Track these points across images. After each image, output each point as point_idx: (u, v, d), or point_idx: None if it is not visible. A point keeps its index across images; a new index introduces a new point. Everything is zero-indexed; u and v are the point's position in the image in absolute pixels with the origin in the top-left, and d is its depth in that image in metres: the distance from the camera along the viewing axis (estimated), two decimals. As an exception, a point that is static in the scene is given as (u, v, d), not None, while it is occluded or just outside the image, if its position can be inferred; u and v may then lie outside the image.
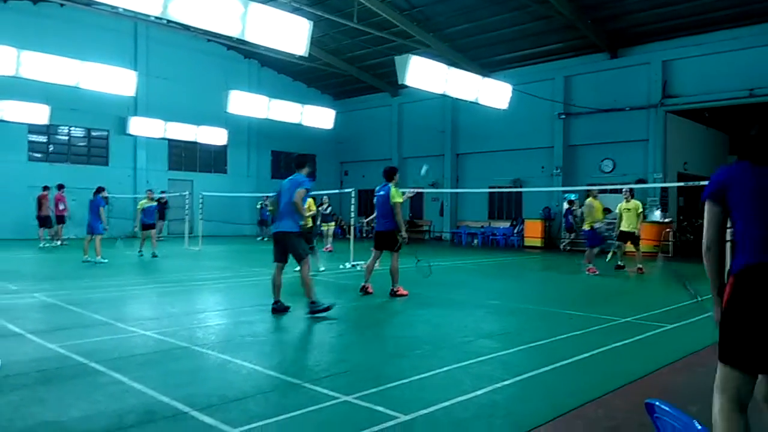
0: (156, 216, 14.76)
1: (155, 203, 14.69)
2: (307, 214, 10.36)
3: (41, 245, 16.81)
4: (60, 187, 17.70)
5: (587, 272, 12.06)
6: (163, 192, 21.19)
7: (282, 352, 5.47)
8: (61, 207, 17.60)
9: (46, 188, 17.88)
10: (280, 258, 7.12)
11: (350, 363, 5.07)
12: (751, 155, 2.56)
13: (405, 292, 8.60)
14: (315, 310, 6.79)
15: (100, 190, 13.59)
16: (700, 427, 1.48)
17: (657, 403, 1.61)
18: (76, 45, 19.07)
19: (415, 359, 5.08)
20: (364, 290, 8.68)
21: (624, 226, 12.75)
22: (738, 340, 2.43)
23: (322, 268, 11.84)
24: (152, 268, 12.22)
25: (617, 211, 13.11)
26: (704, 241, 2.65)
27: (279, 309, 7.07)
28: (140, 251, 14.52)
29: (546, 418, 3.61)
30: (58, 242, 17.43)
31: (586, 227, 12.45)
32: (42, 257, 14.53)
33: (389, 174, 8.78)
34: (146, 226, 14.52)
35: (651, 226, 17.83)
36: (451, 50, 21.07)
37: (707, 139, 21.96)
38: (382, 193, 8.70)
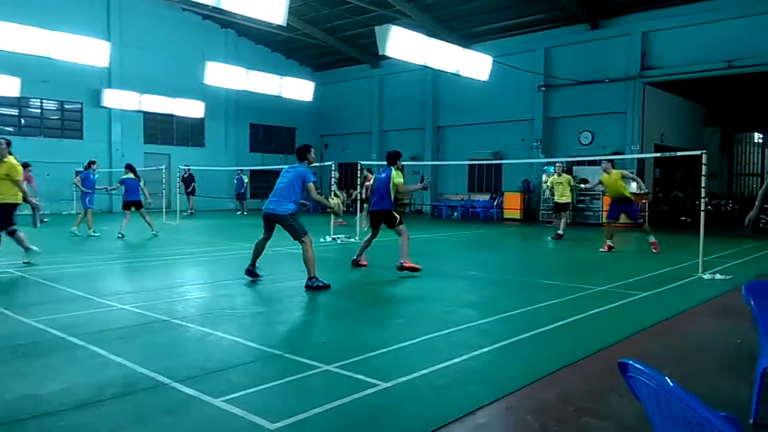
0: (140, 192, 12.88)
1: (134, 177, 13.01)
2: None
3: None
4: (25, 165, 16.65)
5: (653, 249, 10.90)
6: (187, 166, 20.57)
7: (262, 324, 5.47)
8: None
9: None
10: (268, 231, 7.36)
11: (331, 333, 5.11)
12: None
13: (415, 266, 8.16)
14: (313, 285, 6.82)
15: (90, 164, 13.41)
16: (672, 384, 1.52)
17: (630, 362, 1.65)
18: (47, 14, 18.46)
19: (396, 329, 5.13)
20: (355, 263, 8.70)
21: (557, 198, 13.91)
22: None
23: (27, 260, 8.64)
24: (129, 244, 12.07)
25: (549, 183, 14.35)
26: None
27: (251, 273, 7.37)
28: (121, 232, 12.64)
29: (522, 383, 3.68)
30: None
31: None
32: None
33: (393, 158, 8.65)
34: (128, 204, 12.87)
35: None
36: (431, 21, 20.82)
37: (685, 111, 22.18)
38: (383, 176, 8.64)
